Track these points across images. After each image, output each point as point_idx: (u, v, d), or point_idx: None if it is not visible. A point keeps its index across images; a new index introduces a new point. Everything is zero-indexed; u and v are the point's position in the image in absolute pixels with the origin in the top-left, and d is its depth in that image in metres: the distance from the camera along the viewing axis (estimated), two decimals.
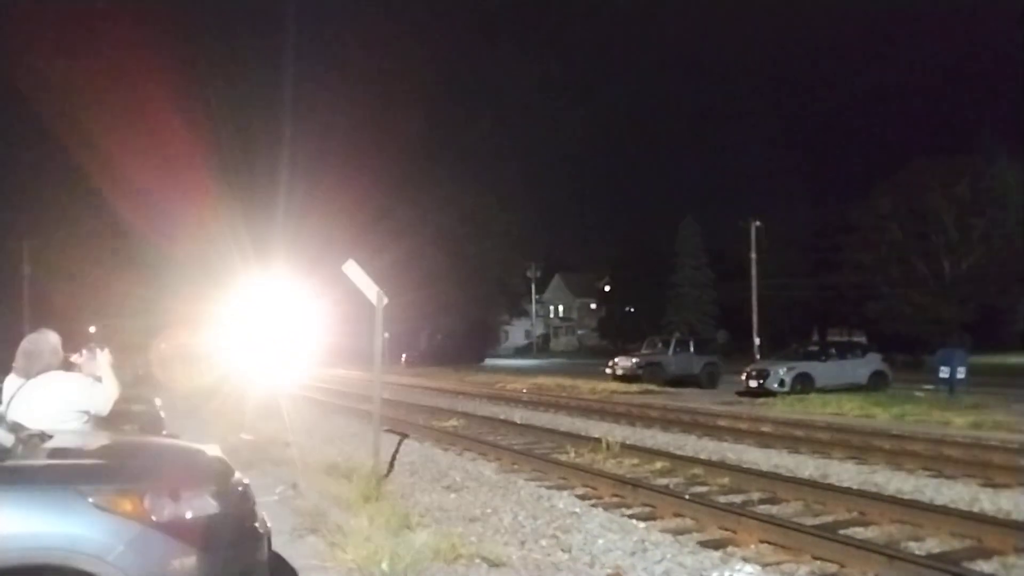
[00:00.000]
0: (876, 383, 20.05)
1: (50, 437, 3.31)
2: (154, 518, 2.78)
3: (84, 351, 4.50)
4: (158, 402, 9.61)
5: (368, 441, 12.31)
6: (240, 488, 3.39)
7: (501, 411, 16.12)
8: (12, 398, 4.02)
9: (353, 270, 8.37)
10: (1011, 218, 34.90)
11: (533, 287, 66.65)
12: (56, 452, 3.11)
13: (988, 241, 35.88)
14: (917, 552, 5.48)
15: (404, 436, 11.99)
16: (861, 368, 20.46)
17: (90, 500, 2.66)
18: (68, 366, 4.36)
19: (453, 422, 14.41)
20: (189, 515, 2.90)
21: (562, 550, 5.81)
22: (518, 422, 13.82)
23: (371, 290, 8.32)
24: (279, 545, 4.94)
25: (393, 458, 9.94)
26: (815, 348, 21.61)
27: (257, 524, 3.35)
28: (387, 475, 8.72)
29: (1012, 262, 34.43)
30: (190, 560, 2.77)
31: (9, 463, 2.85)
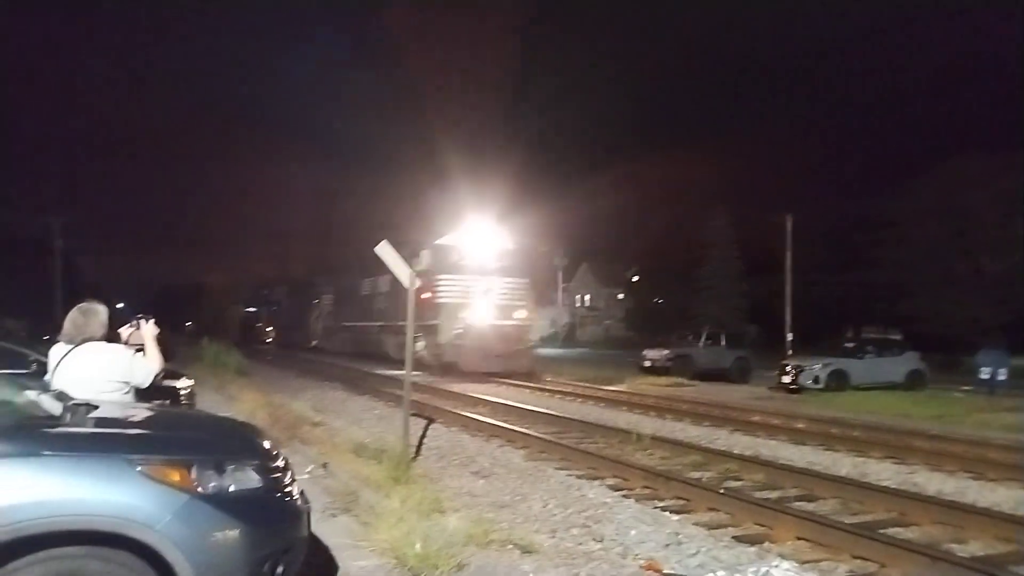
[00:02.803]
0: (913, 382, 19.65)
1: (96, 407, 3.32)
2: (200, 490, 2.77)
3: (131, 324, 4.53)
4: (189, 379, 9.72)
5: (394, 423, 12.42)
6: (282, 464, 3.38)
7: (528, 399, 16.08)
8: (57, 366, 4.06)
9: (386, 251, 8.35)
10: None
11: (560, 275, 66.36)
12: (103, 421, 3.12)
13: None
14: (960, 554, 5.33)
15: (431, 420, 12.01)
16: (898, 366, 20.05)
17: (139, 469, 2.66)
18: (114, 338, 4.39)
19: (480, 408, 14.41)
20: (233, 488, 2.90)
21: (594, 539, 5.76)
22: (545, 411, 13.75)
23: (404, 272, 8.30)
24: (311, 523, 4.95)
25: (420, 442, 9.95)
26: (851, 345, 21.21)
27: (298, 500, 3.34)
28: (415, 458, 8.72)
29: None
30: (234, 533, 2.76)
31: (60, 430, 2.86)
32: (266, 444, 3.44)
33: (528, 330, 23.30)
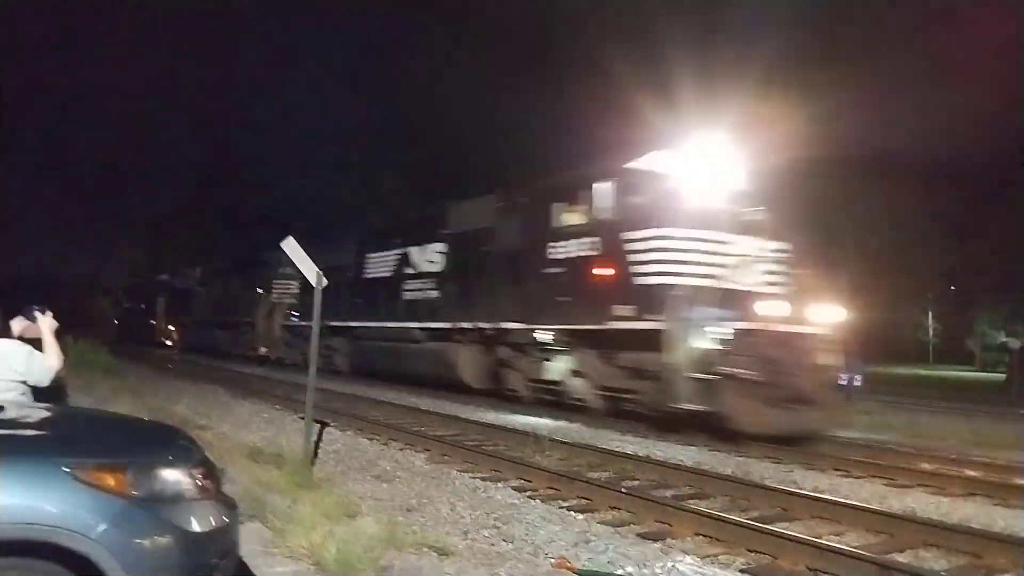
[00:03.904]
0: None
1: (2, 408, 3.06)
2: (136, 494, 2.62)
3: (24, 316, 4.18)
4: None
5: (285, 427, 12.09)
6: (210, 468, 3.24)
7: (425, 401, 15.97)
8: None
9: (292, 247, 8.13)
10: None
11: None
12: (23, 423, 2.88)
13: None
14: (842, 546, 5.81)
15: (324, 424, 11.70)
16: None
17: (72, 474, 2.49)
18: (5, 332, 4.05)
19: (374, 411, 14.19)
20: (168, 492, 2.77)
21: (504, 540, 5.85)
22: (440, 412, 13.73)
23: (310, 270, 8.09)
24: None
25: (316, 445, 9.68)
26: None
27: (227, 504, 3.22)
28: (313, 463, 8.50)
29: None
30: (172, 539, 2.64)
31: None
32: (194, 447, 3.30)
33: (836, 344, 11.62)
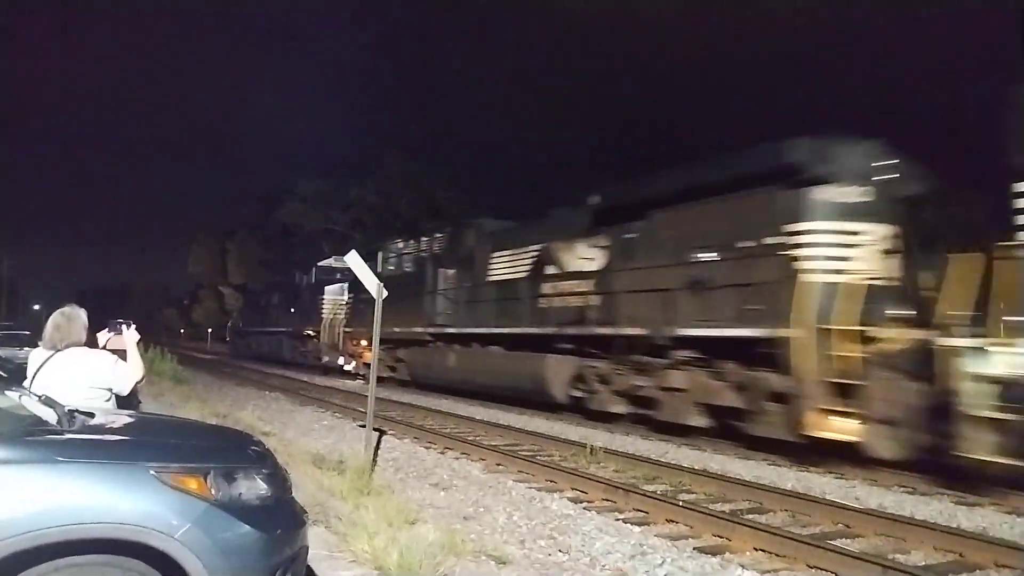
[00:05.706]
0: None
1: (92, 414, 3.28)
2: (217, 497, 2.78)
3: (110, 329, 4.46)
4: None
5: (346, 433, 12.40)
6: (281, 473, 3.40)
7: (479, 411, 16.14)
8: (38, 371, 3.97)
9: (355, 261, 8.36)
10: None
11: None
12: (113, 428, 3.09)
13: None
14: (906, 564, 5.66)
15: (382, 432, 11.95)
16: None
17: (158, 477, 2.66)
18: (92, 343, 4.32)
19: (430, 420, 14.40)
20: (245, 496, 2.92)
21: (561, 550, 5.90)
22: (494, 422, 13.84)
23: (372, 282, 8.31)
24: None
25: (376, 453, 9.91)
26: None
27: (298, 508, 3.37)
28: (373, 470, 8.69)
29: None
30: (250, 541, 2.79)
31: (72, 436, 2.83)
32: (267, 452, 3.46)
33: None
